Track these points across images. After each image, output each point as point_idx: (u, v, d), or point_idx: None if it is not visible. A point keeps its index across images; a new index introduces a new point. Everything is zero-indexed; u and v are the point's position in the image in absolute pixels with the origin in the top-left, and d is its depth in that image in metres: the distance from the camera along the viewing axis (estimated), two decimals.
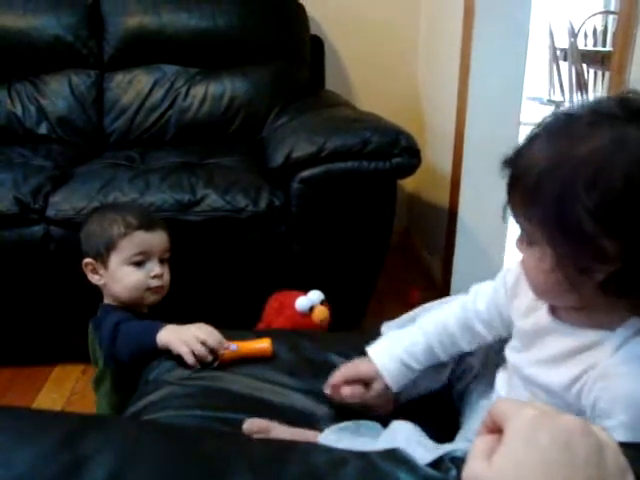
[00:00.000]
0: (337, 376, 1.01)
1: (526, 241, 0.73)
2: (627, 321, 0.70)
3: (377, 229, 2.04)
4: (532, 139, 0.71)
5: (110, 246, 1.42)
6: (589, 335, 0.72)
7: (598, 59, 4.13)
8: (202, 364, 1.12)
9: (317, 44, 2.78)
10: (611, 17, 4.70)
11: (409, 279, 2.72)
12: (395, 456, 0.49)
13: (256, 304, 1.64)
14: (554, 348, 0.76)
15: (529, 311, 0.84)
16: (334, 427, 0.92)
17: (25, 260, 1.92)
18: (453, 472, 0.49)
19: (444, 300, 1.07)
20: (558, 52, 4.52)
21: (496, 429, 0.47)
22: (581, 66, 4.22)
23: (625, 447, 0.45)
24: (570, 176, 0.64)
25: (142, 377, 1.15)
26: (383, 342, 1.02)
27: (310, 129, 2.05)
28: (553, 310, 0.79)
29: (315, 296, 1.55)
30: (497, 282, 0.95)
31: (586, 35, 4.78)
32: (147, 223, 1.44)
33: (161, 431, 0.50)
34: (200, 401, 0.99)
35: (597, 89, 4.42)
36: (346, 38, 2.90)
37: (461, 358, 1.03)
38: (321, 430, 0.93)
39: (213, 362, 1.13)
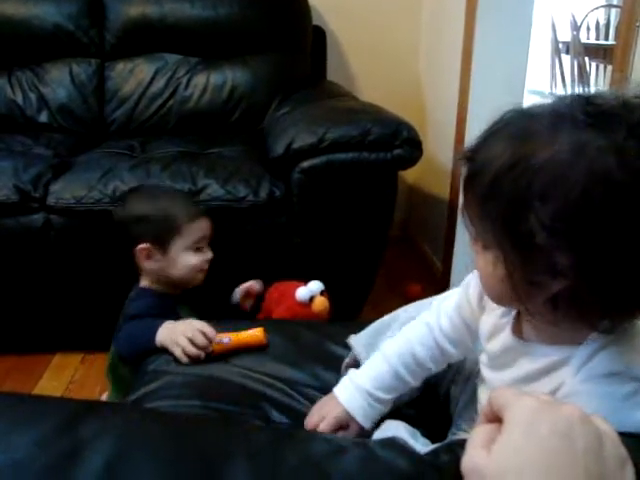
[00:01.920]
0: (312, 425, 0.94)
1: (481, 244, 0.69)
2: (590, 336, 0.66)
3: (377, 220, 2.04)
4: (491, 135, 0.66)
5: (175, 232, 1.43)
6: (555, 353, 0.69)
7: (600, 52, 4.12)
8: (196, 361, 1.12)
9: (319, 35, 2.77)
10: (614, 10, 4.68)
11: (408, 271, 2.72)
12: (394, 444, 0.49)
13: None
14: (523, 369, 0.73)
15: (495, 332, 0.80)
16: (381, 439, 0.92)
17: (25, 248, 1.92)
18: (452, 459, 0.49)
19: (409, 308, 1.05)
20: (560, 45, 4.50)
21: (495, 418, 0.47)
22: (583, 59, 4.21)
23: (624, 437, 0.45)
24: (526, 182, 0.60)
25: (141, 369, 1.15)
26: (348, 384, 0.96)
27: (311, 120, 2.04)
28: (515, 330, 0.76)
29: (315, 286, 1.55)
30: (460, 298, 0.91)
31: (588, 28, 4.76)
32: (202, 210, 1.50)
33: (160, 418, 0.50)
34: (199, 391, 0.99)
35: (599, 82, 4.41)
36: (348, 29, 2.89)
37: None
38: None
39: (208, 356, 1.12)
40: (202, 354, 1.11)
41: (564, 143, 0.59)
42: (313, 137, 1.90)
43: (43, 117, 2.52)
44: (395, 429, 0.83)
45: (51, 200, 1.91)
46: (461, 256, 2.33)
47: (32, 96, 2.52)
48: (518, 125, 0.64)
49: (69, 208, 1.89)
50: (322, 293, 1.55)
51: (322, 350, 1.14)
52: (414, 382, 0.95)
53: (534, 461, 0.42)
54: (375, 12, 2.87)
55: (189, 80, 2.57)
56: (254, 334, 1.15)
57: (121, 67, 2.59)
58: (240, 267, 2.01)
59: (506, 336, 0.77)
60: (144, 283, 1.48)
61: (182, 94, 2.56)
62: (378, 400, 0.93)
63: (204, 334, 1.13)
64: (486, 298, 0.81)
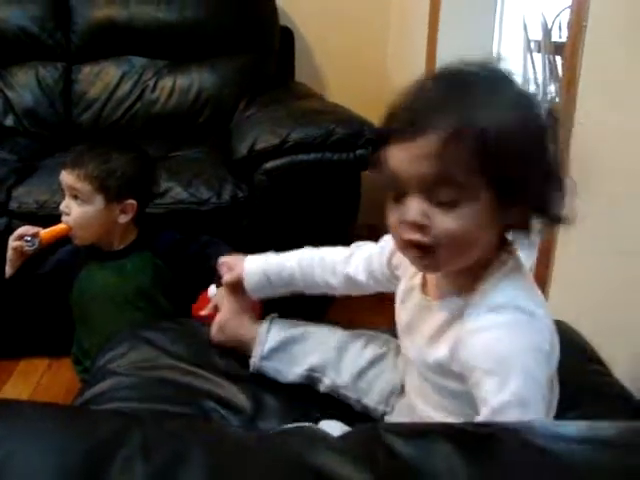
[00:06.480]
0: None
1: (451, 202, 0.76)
2: (479, 284, 0.75)
3: (341, 221, 2.05)
4: None
5: None
6: (452, 304, 0.77)
7: None
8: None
9: (286, 35, 2.77)
10: None
11: None
12: (302, 432, 0.50)
13: None
14: (427, 329, 0.80)
15: (408, 292, 0.86)
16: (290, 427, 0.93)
17: None
18: None
19: None
20: (532, 44, 4.54)
21: None
22: (554, 57, 4.24)
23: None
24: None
25: (95, 361, 1.14)
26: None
27: (274, 121, 2.05)
28: (423, 290, 0.83)
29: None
30: (373, 251, 0.97)
31: (560, 28, 4.80)
32: (69, 163, 1.58)
33: (55, 413, 0.50)
34: (145, 392, 0.99)
35: None
36: (316, 29, 2.89)
37: None
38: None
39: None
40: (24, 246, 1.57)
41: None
42: (276, 138, 1.91)
43: (9, 121, 2.50)
44: (328, 425, 0.83)
45: (13, 205, 1.91)
46: None
47: None
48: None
49: (32, 213, 1.89)
50: None
51: None
52: (303, 286, 1.05)
53: None
54: (343, 13, 2.88)
55: (156, 83, 2.56)
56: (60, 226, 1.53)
57: (87, 70, 2.58)
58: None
59: (416, 295, 0.84)
60: None
61: (149, 97, 2.55)
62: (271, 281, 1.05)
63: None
64: (402, 265, 0.88)
